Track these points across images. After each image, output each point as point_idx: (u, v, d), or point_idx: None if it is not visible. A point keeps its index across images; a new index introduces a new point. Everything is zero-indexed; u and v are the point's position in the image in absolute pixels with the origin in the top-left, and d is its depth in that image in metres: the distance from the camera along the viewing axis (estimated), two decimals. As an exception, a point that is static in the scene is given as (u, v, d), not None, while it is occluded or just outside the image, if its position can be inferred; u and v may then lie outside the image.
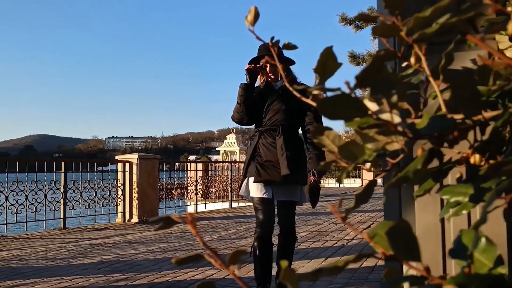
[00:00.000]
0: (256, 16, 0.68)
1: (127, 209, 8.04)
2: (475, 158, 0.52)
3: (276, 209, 2.96)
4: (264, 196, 2.88)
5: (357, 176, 21.67)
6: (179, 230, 6.56)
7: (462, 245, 0.40)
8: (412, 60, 0.59)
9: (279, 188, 2.89)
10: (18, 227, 6.95)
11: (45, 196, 6.88)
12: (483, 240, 0.39)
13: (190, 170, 10.29)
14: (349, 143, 0.51)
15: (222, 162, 13.72)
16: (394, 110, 0.45)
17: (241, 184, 3.03)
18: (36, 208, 6.73)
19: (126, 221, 7.98)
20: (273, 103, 2.94)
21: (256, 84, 2.99)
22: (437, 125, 0.47)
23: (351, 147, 0.51)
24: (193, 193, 9.93)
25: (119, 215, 8.06)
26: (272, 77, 2.97)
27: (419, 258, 0.35)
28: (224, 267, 0.36)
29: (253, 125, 3.10)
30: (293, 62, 3.02)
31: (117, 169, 8.19)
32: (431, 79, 0.56)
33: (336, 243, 5.17)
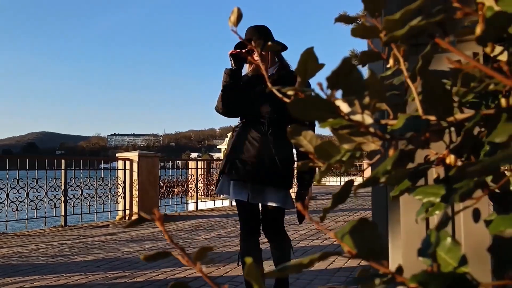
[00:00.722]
0: (239, 17, 0.69)
1: (127, 207, 8.06)
2: (450, 159, 0.53)
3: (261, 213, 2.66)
4: (240, 198, 2.55)
5: (358, 174, 21.67)
6: (179, 228, 6.58)
7: (429, 244, 0.41)
8: (391, 61, 0.60)
9: (260, 190, 2.51)
10: (19, 225, 6.98)
11: (46, 193, 6.91)
12: (448, 240, 0.39)
13: (191, 168, 10.32)
14: (324, 143, 0.52)
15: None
16: (366, 111, 0.46)
17: (217, 182, 2.66)
18: (36, 205, 6.76)
19: (127, 218, 8.00)
20: (261, 92, 2.53)
21: (244, 72, 2.64)
22: (411, 126, 0.48)
23: (327, 147, 0.52)
24: (193, 191, 9.95)
25: (120, 213, 8.08)
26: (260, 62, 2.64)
27: (384, 256, 0.35)
28: (192, 264, 0.36)
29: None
30: (285, 48, 2.67)
31: (117, 167, 8.22)
32: (408, 81, 0.57)
33: (335, 241, 5.17)
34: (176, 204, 9.58)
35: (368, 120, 0.45)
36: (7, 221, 6.39)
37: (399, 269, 0.38)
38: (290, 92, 0.48)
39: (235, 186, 2.56)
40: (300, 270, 0.36)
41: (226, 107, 2.58)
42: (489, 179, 0.53)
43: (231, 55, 2.50)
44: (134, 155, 8.22)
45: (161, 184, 9.03)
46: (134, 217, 7.92)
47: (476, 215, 0.47)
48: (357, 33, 0.54)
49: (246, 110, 2.61)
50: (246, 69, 2.65)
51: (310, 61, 0.49)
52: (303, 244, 5.00)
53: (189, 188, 10.05)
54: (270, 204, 2.52)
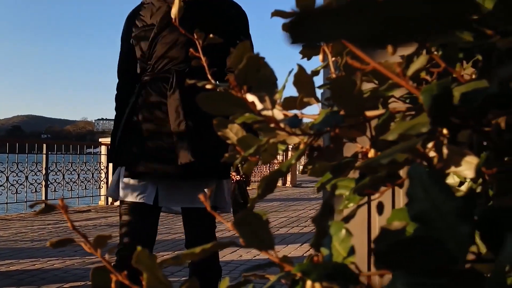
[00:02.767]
0: (180, 9, 0.70)
1: (110, 192, 8.03)
2: (371, 154, 0.55)
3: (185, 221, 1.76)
4: (139, 200, 1.61)
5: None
6: (162, 215, 6.59)
7: (329, 235, 0.43)
8: (320, 56, 0.61)
9: (173, 187, 1.62)
10: (-2, 208, 6.94)
11: (26, 177, 6.85)
12: (343, 231, 0.41)
13: (175, 154, 10.32)
14: (247, 136, 0.54)
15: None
16: (278, 106, 0.47)
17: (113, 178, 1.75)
18: (17, 189, 6.70)
19: (109, 203, 7.98)
20: (164, 31, 1.60)
21: None
22: (329, 122, 0.49)
23: (249, 140, 0.53)
24: (177, 177, 9.95)
25: (102, 198, 8.06)
26: None
27: (272, 246, 0.37)
28: (93, 251, 0.38)
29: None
30: None
31: (100, 152, 8.17)
32: (334, 76, 0.59)
33: (313, 229, 5.24)
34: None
35: (279, 115, 0.47)
36: (-14, 205, 6.35)
37: (287, 259, 0.40)
38: (208, 86, 0.49)
39: (132, 183, 1.66)
40: (195, 258, 0.38)
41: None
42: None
43: None
44: (117, 140, 8.17)
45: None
46: (117, 203, 7.91)
47: (380, 208, 0.49)
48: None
49: (142, 61, 1.67)
50: None
51: (245, 54, 0.50)
52: (282, 231, 5.06)
53: (173, 174, 10.05)
54: (195, 206, 1.62)
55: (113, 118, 1.78)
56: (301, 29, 0.12)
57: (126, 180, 1.67)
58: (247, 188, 1.81)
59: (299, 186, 12.09)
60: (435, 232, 0.30)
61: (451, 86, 0.41)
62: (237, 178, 2.04)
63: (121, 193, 1.66)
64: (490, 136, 0.37)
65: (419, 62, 0.39)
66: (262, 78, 0.45)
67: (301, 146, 0.48)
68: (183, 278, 3.10)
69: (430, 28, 0.13)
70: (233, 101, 0.44)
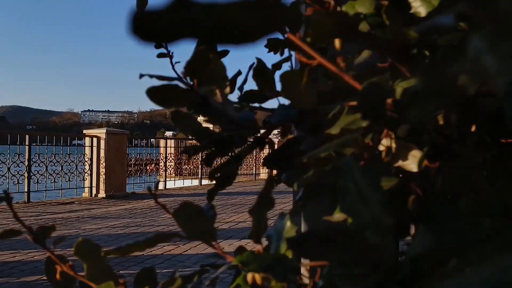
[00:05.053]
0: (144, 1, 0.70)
1: (94, 184, 7.98)
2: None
3: None
4: None
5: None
6: (145, 206, 6.58)
7: (277, 227, 0.44)
8: (280, 51, 0.62)
9: None
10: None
11: (8, 169, 6.76)
12: (288, 223, 0.42)
13: (160, 147, 10.28)
14: (203, 128, 0.54)
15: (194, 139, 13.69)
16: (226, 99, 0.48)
17: None
18: (-2, 181, 6.63)
19: (93, 195, 7.93)
20: None
21: None
22: (282, 116, 0.50)
23: (204, 131, 0.54)
24: (162, 170, 9.92)
25: (86, 190, 8.00)
26: None
27: (214, 237, 0.38)
28: (38, 243, 0.38)
29: None
30: None
31: (84, 144, 8.10)
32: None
33: (297, 222, 5.27)
34: (143, 182, 9.53)
35: (229, 109, 0.47)
36: (-33, 196, 6.25)
37: (240, 250, 0.40)
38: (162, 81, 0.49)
39: None
40: (138, 250, 0.38)
41: None
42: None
43: None
44: (101, 132, 8.11)
45: (130, 162, 8.95)
46: (101, 195, 7.86)
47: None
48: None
49: None
50: None
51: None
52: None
53: (159, 167, 10.02)
54: None
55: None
56: (144, 27, 0.13)
57: None
58: None
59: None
60: (362, 224, 0.31)
61: (394, 82, 0.42)
62: None
63: None
64: (428, 131, 0.38)
65: (361, 57, 0.39)
66: (212, 71, 0.45)
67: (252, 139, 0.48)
68: (164, 270, 3.11)
69: (251, 31, 0.14)
70: (178, 93, 0.44)
